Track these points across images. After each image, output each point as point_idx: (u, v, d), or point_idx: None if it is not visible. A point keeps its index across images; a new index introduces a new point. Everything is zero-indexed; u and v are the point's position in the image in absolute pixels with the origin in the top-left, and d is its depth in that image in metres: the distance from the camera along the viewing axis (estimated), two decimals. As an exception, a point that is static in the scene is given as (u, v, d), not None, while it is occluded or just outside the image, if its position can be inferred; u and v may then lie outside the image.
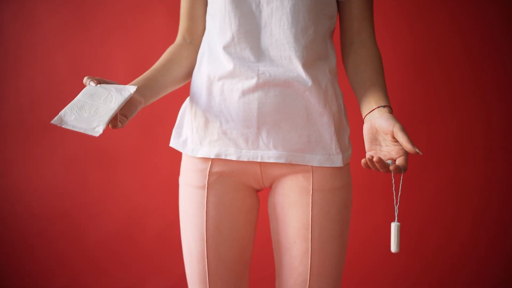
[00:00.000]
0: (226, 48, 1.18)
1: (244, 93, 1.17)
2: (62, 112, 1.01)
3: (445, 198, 2.04)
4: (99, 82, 1.08)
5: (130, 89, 1.06)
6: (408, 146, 1.02)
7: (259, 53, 1.17)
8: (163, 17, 1.99)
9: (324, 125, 1.20)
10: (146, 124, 2.01)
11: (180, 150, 1.27)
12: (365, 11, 1.23)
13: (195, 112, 1.24)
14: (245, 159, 1.20)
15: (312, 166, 1.21)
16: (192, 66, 1.28)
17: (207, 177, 1.24)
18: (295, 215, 1.23)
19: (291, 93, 1.17)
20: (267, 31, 1.17)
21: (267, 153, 1.19)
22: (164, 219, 2.05)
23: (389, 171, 1.05)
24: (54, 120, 1.01)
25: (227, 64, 1.17)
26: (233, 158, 1.20)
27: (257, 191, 1.30)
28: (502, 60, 1.99)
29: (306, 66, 1.16)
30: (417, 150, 1.02)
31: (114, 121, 1.05)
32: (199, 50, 1.27)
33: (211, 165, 1.23)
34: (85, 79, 1.09)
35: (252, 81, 1.16)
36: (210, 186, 1.24)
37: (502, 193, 2.03)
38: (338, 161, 1.21)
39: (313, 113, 1.19)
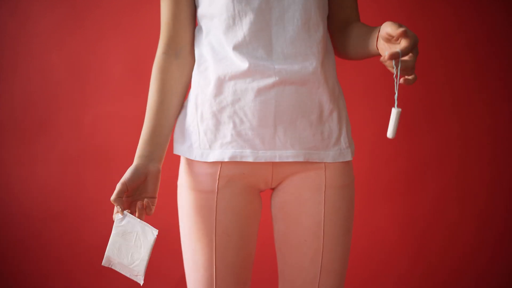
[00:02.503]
0: (237, 47, 1.15)
1: (260, 92, 1.14)
2: (107, 254, 1.14)
3: (449, 199, 2.02)
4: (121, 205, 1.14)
5: (153, 232, 1.14)
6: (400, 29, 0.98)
7: (272, 50, 1.15)
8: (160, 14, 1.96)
9: (334, 121, 1.21)
10: (143, 124, 1.99)
11: (186, 156, 1.23)
12: (352, 3, 1.28)
13: (201, 115, 1.20)
14: (262, 160, 1.18)
15: (325, 162, 1.21)
16: (187, 84, 1.25)
17: (217, 181, 1.20)
18: (307, 213, 1.22)
19: (306, 90, 1.16)
20: (279, 28, 1.15)
21: (285, 153, 1.18)
22: (162, 221, 2.03)
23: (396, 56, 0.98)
24: (104, 263, 1.14)
25: (240, 63, 1.14)
26: (250, 159, 1.17)
27: (261, 191, 1.28)
28: (507, 57, 1.98)
29: (320, 62, 1.17)
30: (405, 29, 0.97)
31: (148, 211, 1.15)
32: (195, 52, 1.23)
33: (221, 168, 1.20)
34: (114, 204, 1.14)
35: (269, 80, 1.14)
36: (219, 190, 1.20)
37: (507, 194, 2.02)
38: (348, 155, 1.23)
39: (325, 110, 1.19)
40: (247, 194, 1.23)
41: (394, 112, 1.02)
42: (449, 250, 2.03)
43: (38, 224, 2.03)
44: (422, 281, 2.05)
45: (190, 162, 1.23)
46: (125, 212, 1.13)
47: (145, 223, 1.13)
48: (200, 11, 1.21)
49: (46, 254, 2.04)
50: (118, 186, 1.12)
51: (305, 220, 1.22)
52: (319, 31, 1.17)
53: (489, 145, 2.00)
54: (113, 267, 1.14)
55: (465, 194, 2.02)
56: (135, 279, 1.14)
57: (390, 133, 1.02)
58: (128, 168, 1.18)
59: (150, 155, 1.18)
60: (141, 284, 1.14)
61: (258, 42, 1.15)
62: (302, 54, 1.16)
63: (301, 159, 1.18)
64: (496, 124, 2.00)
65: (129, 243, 1.13)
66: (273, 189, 1.28)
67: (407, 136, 1.99)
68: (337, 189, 1.22)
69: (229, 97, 1.16)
